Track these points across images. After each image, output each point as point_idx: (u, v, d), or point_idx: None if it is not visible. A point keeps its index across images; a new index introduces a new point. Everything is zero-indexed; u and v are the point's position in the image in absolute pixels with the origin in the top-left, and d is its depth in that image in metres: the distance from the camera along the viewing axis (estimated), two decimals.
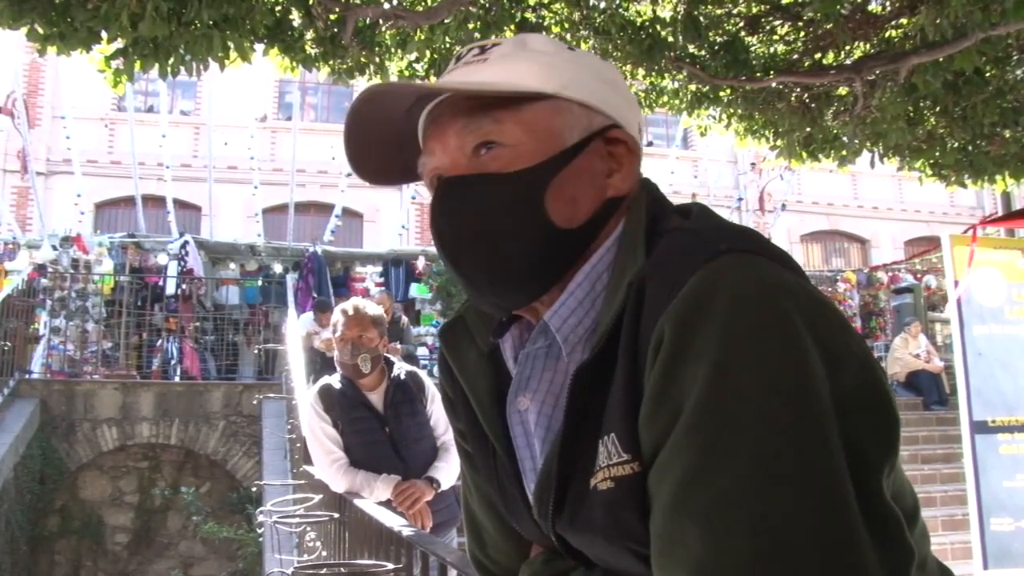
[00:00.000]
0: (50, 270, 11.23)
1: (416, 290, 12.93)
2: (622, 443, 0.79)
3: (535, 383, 0.94)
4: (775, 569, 0.66)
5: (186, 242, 12.31)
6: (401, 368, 3.95)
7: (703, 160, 18.67)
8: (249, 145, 15.30)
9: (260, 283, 12.86)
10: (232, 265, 13.34)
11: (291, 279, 12.35)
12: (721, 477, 0.69)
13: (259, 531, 5.77)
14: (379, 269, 13.33)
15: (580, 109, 0.94)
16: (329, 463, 3.72)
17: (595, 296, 0.91)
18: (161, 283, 12.12)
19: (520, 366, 0.96)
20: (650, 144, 19.80)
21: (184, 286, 12.07)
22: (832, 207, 20.96)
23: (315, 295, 11.45)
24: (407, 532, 2.57)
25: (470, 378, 1.03)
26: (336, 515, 3.84)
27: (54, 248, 11.46)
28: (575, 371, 0.86)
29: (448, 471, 3.72)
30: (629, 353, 0.80)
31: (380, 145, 1.00)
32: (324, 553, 4.35)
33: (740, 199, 18.60)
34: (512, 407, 0.97)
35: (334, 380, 3.86)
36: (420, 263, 13.05)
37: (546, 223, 0.90)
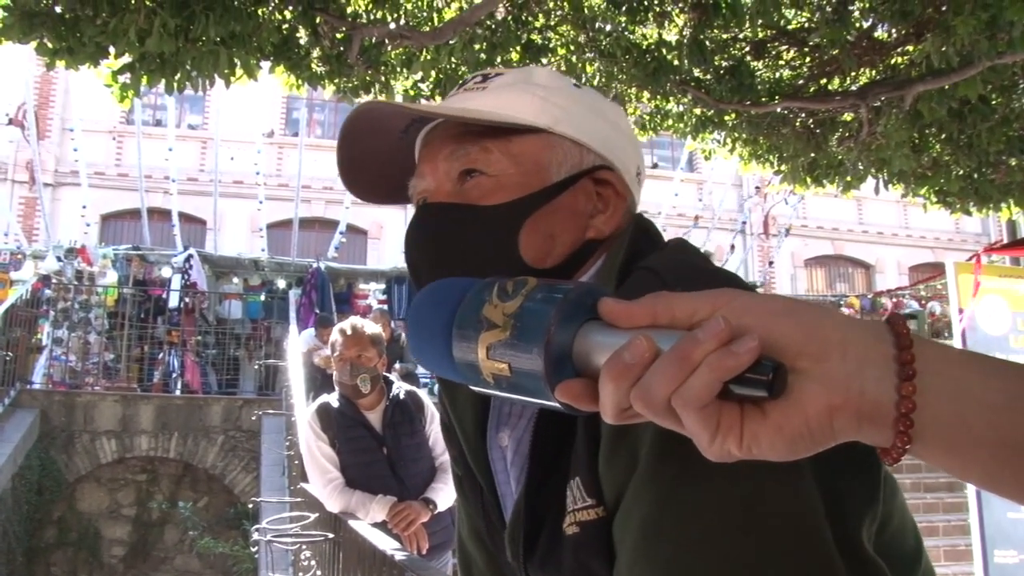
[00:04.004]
0: (54, 281, 11.25)
1: None
2: (585, 488, 0.77)
3: (515, 419, 0.93)
4: None
5: (190, 255, 12.34)
6: (400, 388, 3.93)
7: (708, 183, 18.69)
8: (255, 160, 15.37)
9: (263, 298, 12.89)
10: (235, 279, 13.37)
11: (294, 295, 12.37)
12: (681, 528, 0.66)
13: (254, 549, 5.74)
14: (382, 286, 13.34)
15: (572, 146, 0.94)
16: (325, 483, 3.69)
17: None
18: (164, 296, 12.14)
19: (498, 401, 0.94)
20: (655, 166, 19.84)
21: (187, 299, 12.09)
22: (837, 232, 20.96)
23: (317, 311, 11.45)
24: (400, 556, 2.54)
25: (459, 409, 1.01)
26: (331, 535, 3.82)
27: (58, 259, 11.49)
28: (537, 414, 0.84)
29: (445, 492, 3.69)
30: None
31: (375, 162, 1.00)
32: (319, 573, 4.32)
33: (744, 222, 18.60)
34: (493, 442, 0.96)
35: (332, 399, 3.84)
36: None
37: (517, 260, 0.89)
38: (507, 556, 0.91)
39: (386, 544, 2.80)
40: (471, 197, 0.91)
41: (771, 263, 18.65)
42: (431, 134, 0.95)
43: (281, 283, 13.11)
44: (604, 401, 0.53)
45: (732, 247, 18.04)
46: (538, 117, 0.92)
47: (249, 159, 15.72)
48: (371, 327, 3.90)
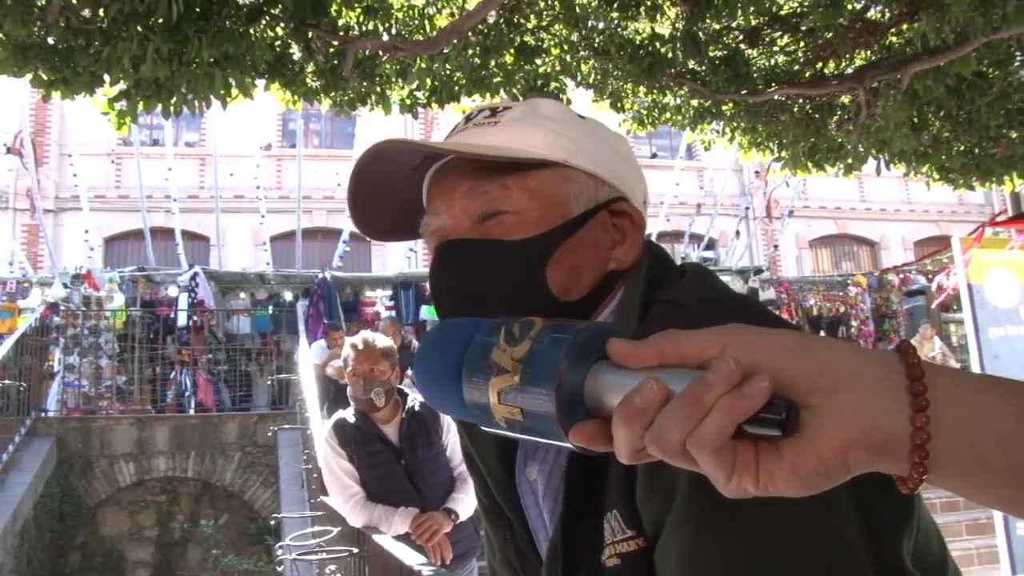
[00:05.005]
0: (62, 308, 11.27)
1: (427, 312, 12.91)
2: (624, 520, 0.77)
3: (542, 452, 0.93)
4: None
5: (196, 273, 12.35)
6: (415, 400, 3.93)
7: (708, 170, 18.64)
8: (255, 174, 15.36)
9: (271, 311, 12.89)
10: (242, 294, 13.38)
11: (301, 306, 12.38)
12: (718, 561, 0.67)
13: (279, 568, 5.75)
14: (389, 293, 13.34)
15: (587, 179, 0.93)
16: (346, 498, 3.70)
17: None
18: (172, 315, 12.16)
19: None
20: (654, 156, 19.80)
21: (195, 317, 12.11)
22: (840, 211, 20.89)
23: (326, 321, 11.47)
24: (427, 571, 2.55)
25: (479, 444, 1.01)
26: (355, 550, 3.82)
27: (65, 286, 11.51)
28: (570, 450, 0.85)
29: (466, 502, 3.69)
30: None
31: (384, 202, 0.99)
32: None
33: (747, 208, 18.56)
34: (522, 476, 0.95)
35: (348, 414, 3.85)
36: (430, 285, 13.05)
37: (547, 294, 0.89)
38: None
39: (412, 558, 2.81)
40: (493, 234, 0.90)
41: (776, 246, 18.61)
42: (443, 170, 0.94)
43: (288, 295, 13.12)
44: (618, 444, 0.53)
45: (737, 233, 17.99)
46: (553, 151, 0.92)
47: (248, 173, 15.72)
48: (382, 340, 3.89)
